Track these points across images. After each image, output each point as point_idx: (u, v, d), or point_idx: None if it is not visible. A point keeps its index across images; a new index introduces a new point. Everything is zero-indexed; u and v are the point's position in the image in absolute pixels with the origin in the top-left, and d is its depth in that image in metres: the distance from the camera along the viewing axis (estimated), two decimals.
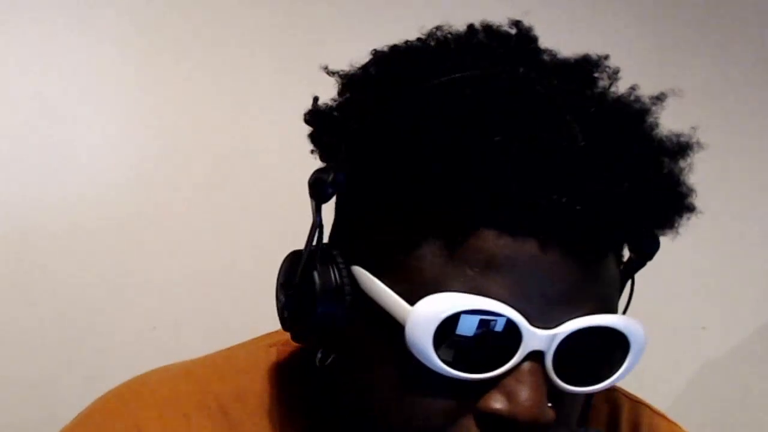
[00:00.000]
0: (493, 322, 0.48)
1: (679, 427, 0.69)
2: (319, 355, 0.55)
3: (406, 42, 0.56)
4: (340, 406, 0.57)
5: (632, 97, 0.55)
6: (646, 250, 0.56)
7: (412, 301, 0.49)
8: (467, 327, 0.49)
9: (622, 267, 0.56)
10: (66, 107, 1.17)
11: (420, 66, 0.52)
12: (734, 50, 1.49)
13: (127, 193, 1.19)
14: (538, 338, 0.48)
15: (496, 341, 0.49)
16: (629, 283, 0.58)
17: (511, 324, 0.48)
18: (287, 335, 0.58)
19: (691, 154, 0.56)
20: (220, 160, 1.23)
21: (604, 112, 0.51)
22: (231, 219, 1.23)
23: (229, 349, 0.66)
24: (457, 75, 0.50)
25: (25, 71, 1.16)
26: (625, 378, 0.68)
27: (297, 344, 0.61)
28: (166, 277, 1.20)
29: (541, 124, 0.48)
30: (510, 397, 0.49)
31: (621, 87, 0.55)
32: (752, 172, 1.48)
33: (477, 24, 0.56)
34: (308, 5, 1.28)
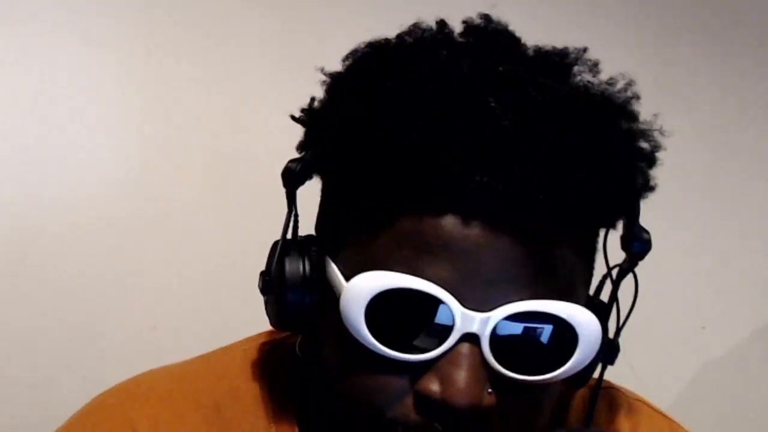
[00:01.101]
0: (426, 303, 0.49)
1: (679, 426, 0.69)
2: (297, 342, 0.58)
3: (385, 39, 0.57)
4: (317, 394, 0.58)
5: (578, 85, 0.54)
6: (634, 250, 0.55)
7: (349, 279, 0.50)
8: (400, 306, 0.49)
9: (618, 267, 0.56)
10: (66, 107, 1.17)
11: (388, 64, 0.53)
12: (735, 50, 1.48)
13: (127, 193, 1.19)
14: (471, 321, 0.48)
15: (430, 322, 0.49)
16: (634, 286, 0.58)
17: (443, 305, 0.48)
18: (282, 334, 0.59)
19: (638, 122, 0.54)
20: (221, 160, 1.23)
21: (539, 93, 0.51)
22: (231, 219, 1.23)
23: (223, 348, 0.66)
24: (416, 71, 0.51)
25: (25, 71, 1.16)
26: (626, 377, 0.68)
27: (290, 343, 0.62)
28: (166, 277, 1.20)
29: (465, 107, 0.49)
30: (444, 379, 0.49)
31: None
32: (752, 171, 1.48)
33: (453, 19, 0.56)
34: (309, 5, 1.28)
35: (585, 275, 0.55)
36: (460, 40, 0.55)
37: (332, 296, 0.52)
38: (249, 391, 0.62)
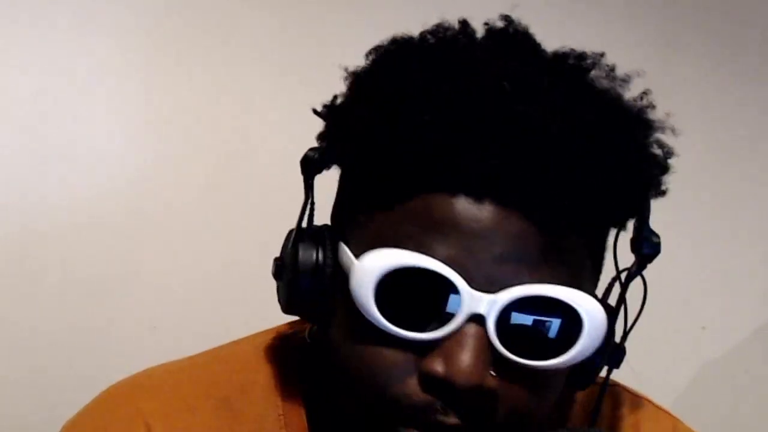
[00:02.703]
0: (435, 282, 0.49)
1: (681, 423, 0.69)
2: (307, 330, 0.58)
3: (402, 37, 0.57)
4: (327, 378, 0.59)
5: (604, 77, 0.55)
6: (644, 252, 0.55)
7: (359, 258, 0.51)
8: (409, 284, 0.49)
9: (626, 270, 0.56)
10: (67, 107, 1.17)
11: (409, 64, 0.54)
12: (735, 49, 1.48)
13: (128, 193, 1.19)
14: (478, 301, 0.49)
15: (438, 301, 0.49)
16: (643, 288, 0.58)
17: (451, 284, 0.49)
18: (292, 329, 0.59)
19: (653, 129, 0.55)
20: (221, 160, 1.23)
21: (557, 83, 0.52)
22: (232, 219, 1.23)
23: (233, 342, 0.67)
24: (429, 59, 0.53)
25: (25, 71, 1.16)
26: (626, 377, 0.68)
27: (300, 338, 0.62)
28: (166, 277, 1.20)
29: (479, 91, 0.50)
30: (449, 359, 0.49)
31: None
32: (752, 172, 1.48)
33: (475, 21, 0.57)
34: (312, 5, 1.28)
35: (592, 271, 0.56)
36: (481, 41, 0.56)
37: (343, 277, 0.53)
38: (258, 384, 0.62)
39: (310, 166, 0.56)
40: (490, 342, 0.49)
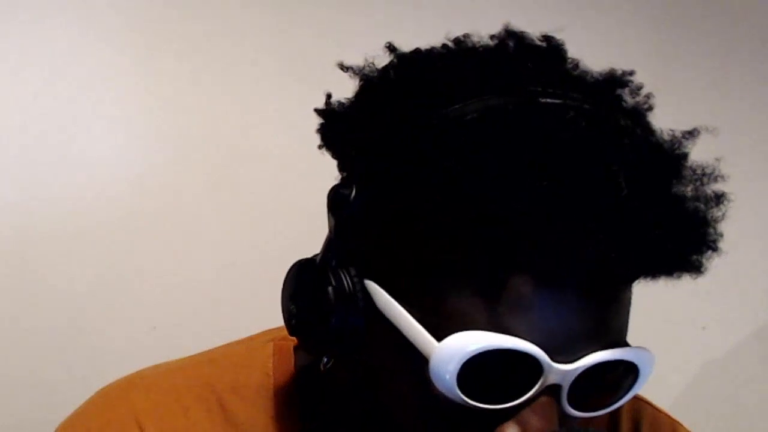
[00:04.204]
0: (516, 359, 0.48)
1: (681, 425, 0.69)
2: (324, 360, 0.56)
3: (431, 48, 0.55)
4: (343, 408, 0.58)
5: (667, 138, 0.54)
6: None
7: (438, 336, 0.49)
8: (492, 364, 0.49)
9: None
10: (67, 107, 1.17)
11: (448, 81, 0.51)
12: (735, 47, 1.48)
13: (127, 193, 1.19)
14: (558, 373, 0.49)
15: (516, 375, 0.49)
16: None
17: (534, 360, 0.48)
18: (285, 331, 0.59)
19: (725, 204, 0.55)
20: (221, 161, 1.23)
21: (644, 154, 0.50)
22: (231, 219, 1.23)
23: (227, 344, 0.67)
24: (493, 102, 0.49)
25: (25, 71, 1.16)
26: None
27: (294, 340, 0.62)
28: (166, 277, 1.20)
29: (586, 170, 0.47)
30: (523, 427, 0.49)
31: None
32: (753, 171, 1.48)
33: (505, 33, 0.54)
34: (313, 5, 1.28)
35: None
36: (533, 69, 0.52)
37: (390, 333, 0.51)
38: (251, 386, 0.62)
39: (342, 207, 0.52)
40: (562, 407, 0.50)
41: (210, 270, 1.22)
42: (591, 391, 0.52)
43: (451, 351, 0.48)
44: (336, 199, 0.53)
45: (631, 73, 0.55)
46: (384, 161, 0.51)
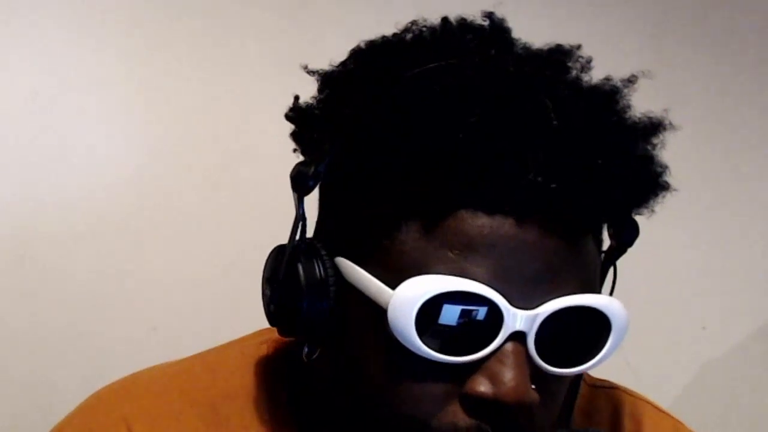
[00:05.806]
0: (474, 304, 0.48)
1: (682, 425, 0.69)
2: (305, 350, 0.55)
3: (383, 37, 0.57)
4: (330, 399, 0.58)
5: (605, 83, 0.55)
6: (625, 239, 0.56)
7: (393, 286, 0.49)
8: (449, 310, 0.49)
9: (603, 254, 0.57)
10: (66, 107, 1.17)
11: (397, 59, 0.53)
12: (735, 47, 1.48)
13: (128, 193, 1.19)
14: (519, 319, 0.49)
15: (478, 323, 0.49)
16: (611, 271, 0.59)
17: (492, 305, 0.48)
18: (277, 332, 0.59)
19: (663, 133, 0.55)
20: (220, 160, 1.23)
21: (577, 93, 0.52)
22: (231, 219, 1.23)
23: (220, 346, 0.66)
24: (432, 65, 0.51)
25: (25, 71, 1.16)
26: (625, 377, 0.68)
27: (288, 341, 0.62)
28: (166, 277, 1.20)
29: (515, 104, 0.49)
30: (494, 379, 0.49)
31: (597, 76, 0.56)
32: (753, 171, 1.48)
33: (451, 18, 0.57)
34: (313, 5, 1.28)
35: (599, 265, 0.56)
36: (475, 41, 0.55)
37: (359, 302, 0.51)
38: (245, 390, 0.62)
39: (305, 183, 0.54)
40: (530, 356, 0.50)
41: (210, 270, 1.22)
42: (562, 346, 0.51)
43: (406, 297, 0.48)
44: (298, 177, 0.54)
45: (579, 47, 0.56)
46: (338, 134, 0.53)
